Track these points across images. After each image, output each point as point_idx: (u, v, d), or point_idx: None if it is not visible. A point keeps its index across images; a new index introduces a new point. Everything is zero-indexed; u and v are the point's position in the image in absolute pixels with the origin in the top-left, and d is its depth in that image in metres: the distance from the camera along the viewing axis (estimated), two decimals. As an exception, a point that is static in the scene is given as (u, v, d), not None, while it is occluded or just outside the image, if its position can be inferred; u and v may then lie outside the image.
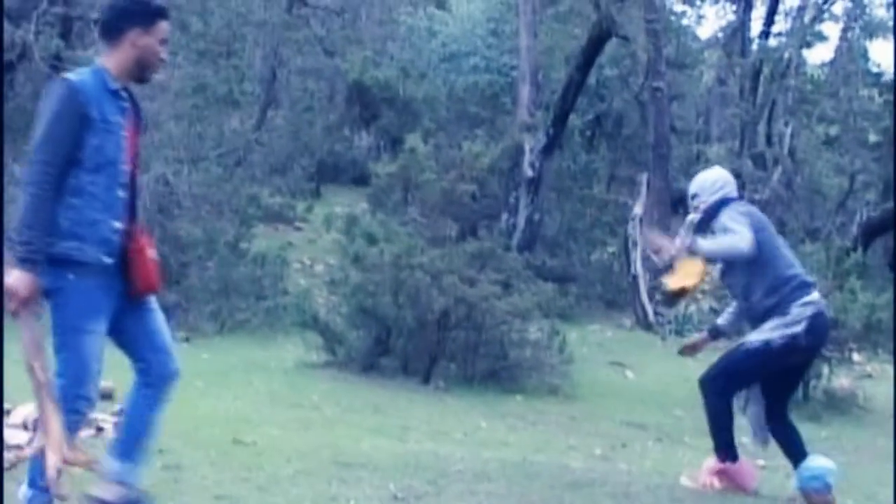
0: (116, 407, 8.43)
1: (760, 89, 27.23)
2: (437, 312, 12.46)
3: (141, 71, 5.10)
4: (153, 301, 5.41)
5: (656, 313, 19.37)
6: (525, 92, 22.18)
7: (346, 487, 6.45)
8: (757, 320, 7.02)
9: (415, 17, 31.07)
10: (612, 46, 23.94)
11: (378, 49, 29.91)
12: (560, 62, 25.43)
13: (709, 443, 10.30)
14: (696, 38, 35.21)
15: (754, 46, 28.84)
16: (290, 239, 21.09)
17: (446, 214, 15.81)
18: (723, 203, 7.07)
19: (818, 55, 66.99)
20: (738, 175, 26.27)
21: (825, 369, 13.09)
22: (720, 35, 32.88)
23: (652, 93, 25.37)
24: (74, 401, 5.03)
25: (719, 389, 7.07)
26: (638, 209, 20.46)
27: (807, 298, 6.93)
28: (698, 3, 33.13)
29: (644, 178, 21.71)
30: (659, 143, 25.13)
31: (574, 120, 23.60)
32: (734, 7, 31.53)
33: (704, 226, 7.12)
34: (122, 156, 4.99)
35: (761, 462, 9.42)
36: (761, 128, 27.08)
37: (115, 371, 10.38)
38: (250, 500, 6.08)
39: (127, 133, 5.02)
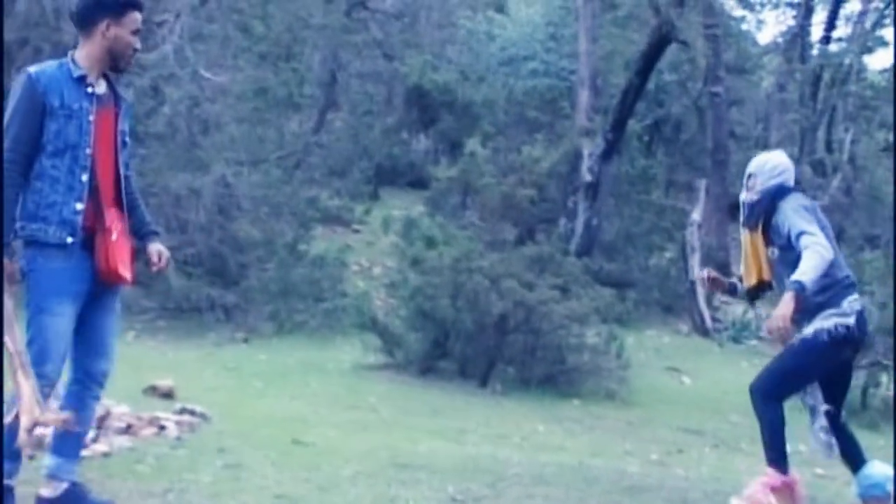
0: (177, 406, 8.55)
1: (820, 95, 27.06)
2: (495, 316, 12.51)
3: (114, 60, 5.22)
4: (114, 301, 5.45)
5: (713, 319, 19.30)
6: (584, 96, 22.17)
7: (404, 489, 6.50)
8: (804, 315, 6.73)
9: (474, 20, 31.06)
10: (671, 51, 23.84)
11: (437, 53, 29.93)
12: (619, 67, 25.36)
13: (766, 449, 10.31)
14: (755, 43, 35.01)
15: (814, 52, 28.65)
16: (348, 241, 21.17)
17: (505, 218, 15.84)
18: (780, 190, 6.83)
19: (879, 61, 66.41)
20: (797, 182, 26.18)
21: (884, 378, 13.02)
22: (780, 40, 32.66)
23: (711, 98, 25.28)
24: (37, 377, 4.96)
25: (770, 394, 6.84)
26: (696, 215, 20.39)
27: (855, 296, 6.80)
28: (758, 8, 32.92)
29: (702, 183, 21.63)
30: (717, 149, 25.05)
31: (633, 125, 23.50)
32: (794, 12, 31.34)
33: (756, 209, 6.89)
34: (86, 140, 5.10)
35: (819, 471, 9.42)
36: (821, 134, 26.91)
37: (176, 370, 10.53)
38: (310, 500, 6.14)
39: (95, 118, 5.12)
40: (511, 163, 17.99)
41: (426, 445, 7.98)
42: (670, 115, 29.43)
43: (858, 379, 13.01)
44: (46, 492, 5.46)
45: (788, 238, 6.65)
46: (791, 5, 31.97)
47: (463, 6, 32.22)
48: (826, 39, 28.88)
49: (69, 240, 5.10)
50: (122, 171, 5.31)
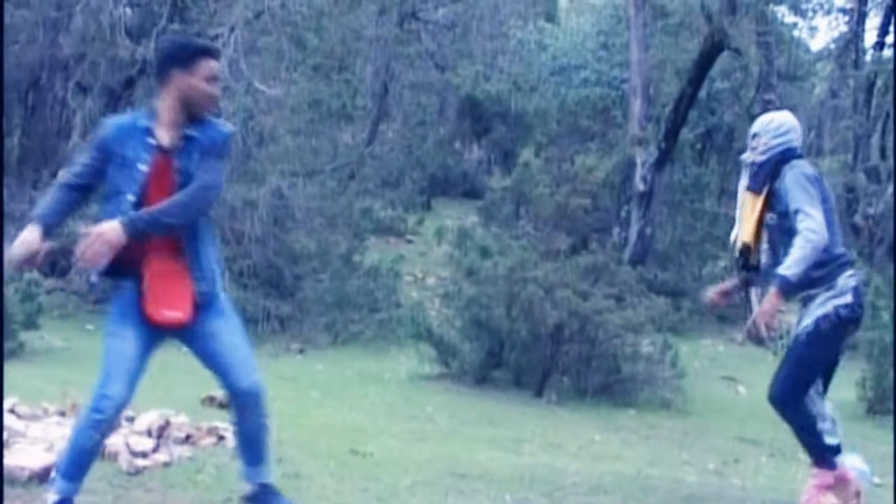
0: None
1: (874, 101, 26.85)
2: (550, 326, 12.53)
3: (190, 109, 5.25)
4: (215, 323, 5.55)
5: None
6: (636, 105, 22.16)
7: (463, 499, 6.53)
8: (800, 289, 6.51)
9: (525, 30, 31.05)
10: (723, 59, 23.79)
11: (489, 63, 30.00)
12: (671, 75, 25.31)
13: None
14: (808, 50, 34.80)
15: (868, 58, 28.43)
16: (401, 251, 21.26)
17: (559, 228, 15.82)
18: (786, 153, 6.56)
19: (934, 66, 65.96)
20: (851, 189, 26.07)
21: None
22: (833, 47, 32.43)
23: (764, 106, 25.10)
24: (98, 399, 5.22)
25: (789, 399, 6.65)
26: (750, 223, 20.34)
27: (851, 271, 6.57)
28: (810, 14, 32.73)
29: (755, 191, 21.55)
30: (771, 157, 24.92)
31: (685, 133, 23.46)
32: (847, 18, 31.12)
33: (761, 172, 6.62)
34: (132, 188, 5.16)
35: (876, 480, 9.36)
36: (875, 140, 26.71)
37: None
38: (371, 510, 6.20)
39: (149, 168, 5.18)
40: (564, 172, 17.98)
41: (483, 455, 8.00)
42: (723, 123, 29.30)
43: (889, 380, 12.95)
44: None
45: (787, 208, 6.44)
46: (844, 11, 31.76)
47: (514, 16, 32.24)
48: (879, 45, 28.63)
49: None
50: None
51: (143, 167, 5.16)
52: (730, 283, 7.17)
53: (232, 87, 16.30)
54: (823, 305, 6.45)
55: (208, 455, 7.26)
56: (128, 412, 7.67)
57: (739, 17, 21.35)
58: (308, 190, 16.77)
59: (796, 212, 6.35)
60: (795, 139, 6.70)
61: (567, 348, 12.91)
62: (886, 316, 13.26)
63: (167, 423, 7.54)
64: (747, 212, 6.73)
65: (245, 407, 5.57)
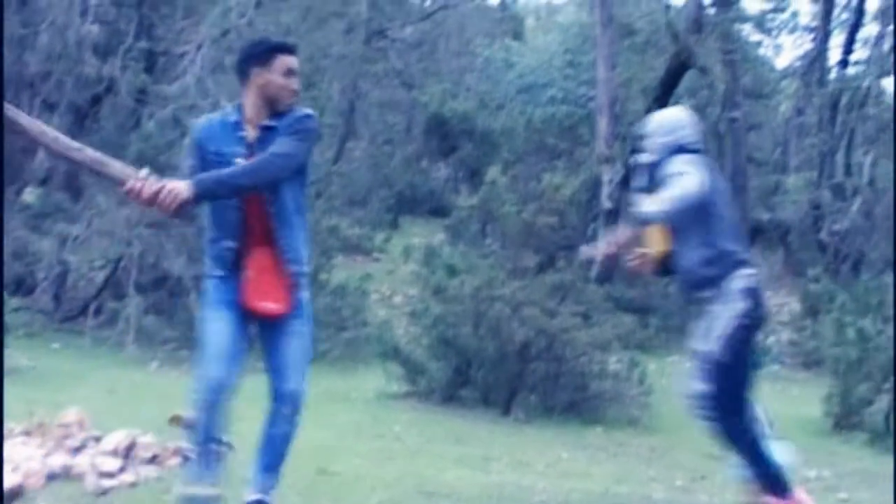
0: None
1: (839, 119, 27.01)
2: (517, 344, 12.54)
3: (271, 104, 5.48)
4: (295, 323, 5.73)
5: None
6: (603, 123, 22.23)
7: (430, 519, 6.55)
8: (692, 289, 6.40)
9: (492, 49, 31.15)
10: (689, 77, 23.93)
11: (455, 81, 30.10)
12: (638, 93, 25.41)
13: (790, 475, 10.31)
14: (773, 68, 35.03)
15: (832, 76, 28.64)
16: (368, 270, 21.21)
17: (526, 246, 15.83)
18: (678, 150, 6.35)
19: (898, 84, 66.46)
20: (816, 206, 26.22)
21: (908, 401, 12.99)
22: (798, 64, 32.67)
23: (729, 123, 25.32)
24: (198, 380, 5.57)
25: (727, 412, 6.34)
26: (716, 240, 20.40)
27: (744, 271, 6.26)
28: (775, 32, 32.96)
29: (722, 208, 21.63)
30: (736, 174, 25.05)
31: (652, 151, 23.55)
32: (812, 36, 31.34)
33: (655, 172, 6.39)
34: None
35: (843, 495, 9.42)
36: (840, 158, 26.87)
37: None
38: (339, 529, 6.19)
39: (243, 161, 5.36)
40: (531, 190, 18.03)
41: (451, 473, 8.01)
42: (689, 140, 29.43)
43: (881, 403, 13.00)
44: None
45: None
46: (808, 29, 31.98)
47: (480, 34, 32.35)
48: (844, 63, 28.87)
49: (220, 273, 5.57)
50: (269, 210, 5.48)
51: (241, 160, 5.36)
52: (619, 237, 6.73)
53: (198, 105, 16.27)
54: (717, 320, 6.20)
55: (175, 475, 7.22)
56: (94, 432, 7.65)
57: (705, 35, 21.49)
58: (275, 208, 16.75)
59: (670, 176, 6.16)
60: (688, 136, 6.50)
61: (534, 366, 12.92)
62: (852, 332, 13.32)
63: (134, 443, 7.51)
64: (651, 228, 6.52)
65: (280, 410, 5.87)
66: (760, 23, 30.83)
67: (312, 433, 10.14)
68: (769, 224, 29.18)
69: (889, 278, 15.43)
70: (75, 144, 5.24)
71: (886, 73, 28.73)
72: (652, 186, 6.36)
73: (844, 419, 13.15)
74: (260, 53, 5.54)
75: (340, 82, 27.75)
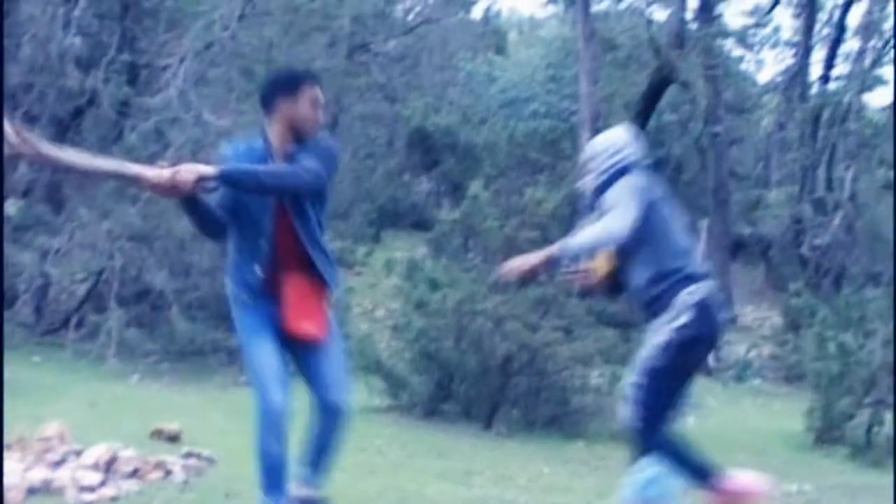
0: (184, 449, 8.57)
1: (820, 133, 27.12)
2: (499, 358, 12.54)
3: (297, 134, 5.55)
4: (332, 341, 5.83)
5: (717, 359, 19.32)
6: (585, 138, 22.19)
7: (411, 532, 6.54)
8: (642, 309, 6.29)
9: (474, 63, 31.25)
10: (671, 92, 24.01)
11: (438, 95, 30.14)
12: (620, 108, 25.48)
13: (771, 489, 10.32)
14: (755, 83, 35.19)
15: (814, 91, 28.76)
16: (350, 283, 21.20)
17: (508, 260, 15.86)
18: (622, 171, 6.25)
19: (878, 99, 66.78)
20: (798, 220, 26.31)
21: (888, 416, 13.02)
22: (779, 79, 32.82)
23: (711, 138, 25.38)
24: (264, 405, 5.52)
25: (650, 428, 6.23)
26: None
27: (693, 287, 6.12)
28: (757, 48, 33.11)
29: (704, 223, 21.70)
30: (718, 188, 25.12)
31: (634, 165, 23.60)
32: (793, 51, 31.49)
33: (600, 197, 6.27)
34: (267, 210, 5.49)
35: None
36: (821, 172, 26.97)
37: (181, 414, 10.55)
38: (320, 544, 6.16)
39: None
40: (513, 205, 18.04)
41: (433, 488, 8.00)
42: (671, 155, 29.57)
43: (862, 417, 13.03)
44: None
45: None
46: (790, 44, 32.14)
47: (463, 48, 32.42)
48: (825, 78, 29.01)
49: (250, 299, 5.62)
50: (300, 235, 5.59)
51: None
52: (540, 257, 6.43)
53: (181, 118, 16.27)
54: (659, 333, 6.10)
55: (156, 489, 7.21)
56: (74, 446, 7.62)
57: (687, 50, 21.56)
58: (258, 221, 16.72)
59: (608, 210, 6.09)
60: (631, 155, 6.41)
61: (516, 380, 12.92)
62: (833, 347, 13.35)
63: (115, 457, 7.48)
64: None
65: (329, 424, 5.89)
66: (742, 38, 30.98)
67: (293, 447, 10.15)
68: (751, 238, 29.28)
69: (869, 293, 15.45)
70: (93, 160, 5.36)
71: (867, 89, 28.89)
72: (597, 211, 6.31)
73: (826, 433, 13.18)
74: (287, 84, 5.62)
75: (323, 96, 27.76)
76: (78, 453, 7.50)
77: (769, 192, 30.39)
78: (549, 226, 18.58)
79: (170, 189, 5.17)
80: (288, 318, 5.62)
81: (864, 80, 28.58)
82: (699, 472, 6.30)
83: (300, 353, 5.77)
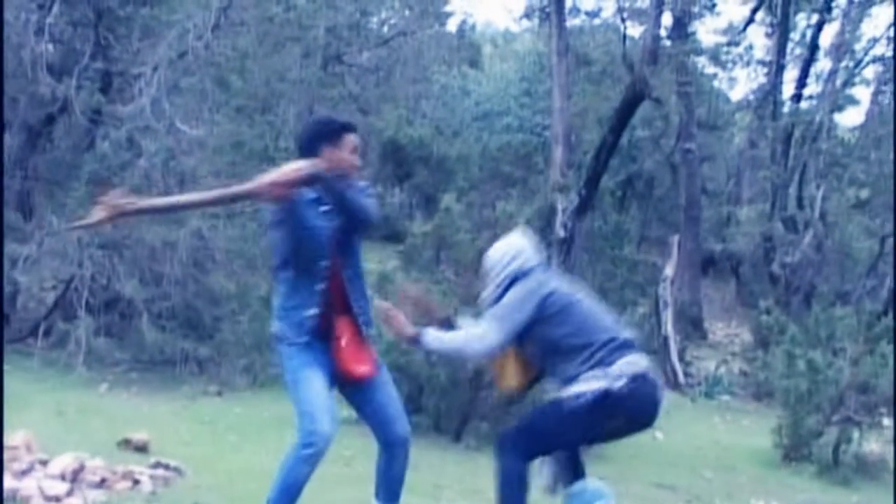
0: (152, 459, 8.54)
1: (791, 152, 27.24)
2: (469, 371, 12.52)
3: (339, 178, 5.79)
4: (381, 375, 6.26)
5: (686, 374, 19.38)
6: (558, 152, 22.33)
7: (381, 545, 6.52)
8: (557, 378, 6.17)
9: (448, 76, 31.29)
10: (644, 108, 24.05)
11: (412, 107, 30.15)
12: (593, 123, 25.59)
13: (740, 506, 10.36)
14: (727, 100, 35.37)
15: (786, 109, 28.91)
16: (321, 295, 21.17)
17: (480, 274, 15.88)
18: (516, 279, 6.27)
19: (849, 118, 67.21)
20: (768, 238, 26.41)
21: (855, 434, 13.08)
22: (752, 98, 33.01)
23: (683, 154, 25.54)
24: (309, 436, 5.95)
25: (520, 450, 6.21)
26: (669, 270, 20.50)
27: (632, 357, 6.08)
28: (730, 66, 33.28)
29: (675, 239, 21.77)
30: (690, 205, 25.26)
31: (606, 181, 23.66)
32: (766, 70, 31.67)
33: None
34: (324, 253, 5.82)
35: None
36: (792, 190, 27.09)
37: (150, 424, 10.51)
38: (287, 556, 6.15)
39: (329, 233, 5.80)
40: (485, 218, 18.05)
41: (402, 500, 7.96)
42: (643, 171, 29.70)
43: (830, 435, 13.08)
44: None
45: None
46: (762, 63, 32.33)
47: (437, 61, 32.43)
48: (797, 97, 29.17)
49: (303, 340, 5.90)
50: (345, 276, 5.98)
51: (327, 234, 5.84)
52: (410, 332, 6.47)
53: (153, 126, 16.21)
54: (591, 381, 5.99)
55: (123, 499, 7.19)
56: (41, 455, 7.58)
57: (661, 67, 21.60)
58: (228, 232, 16.64)
59: (487, 318, 6.17)
60: (527, 260, 6.39)
61: (485, 394, 12.89)
62: (802, 364, 13.40)
63: (82, 467, 7.46)
64: (503, 358, 6.41)
65: (397, 454, 6.41)
66: (716, 56, 31.16)
67: (261, 458, 10.11)
68: (722, 255, 29.41)
69: (838, 311, 15.52)
70: (190, 196, 5.67)
71: (838, 108, 29.07)
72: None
73: (794, 451, 13.23)
74: (330, 133, 5.93)
75: (297, 106, 27.69)
76: (44, 463, 7.48)
77: (740, 209, 30.52)
78: (520, 240, 18.62)
79: (284, 187, 5.44)
80: (344, 360, 5.96)
81: (836, 99, 28.78)
82: None
83: (357, 394, 6.20)
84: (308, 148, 5.87)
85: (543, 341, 6.14)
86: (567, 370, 6.07)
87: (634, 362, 6.05)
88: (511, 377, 6.42)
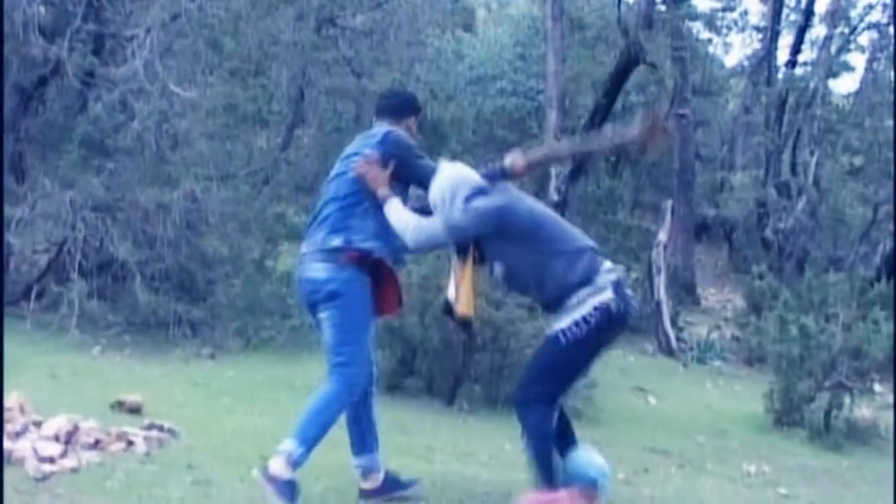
0: (146, 421, 8.55)
1: (786, 118, 27.23)
2: (462, 334, 12.52)
3: None
4: None
5: (678, 339, 19.40)
6: (552, 117, 22.24)
7: (374, 507, 6.54)
8: (561, 299, 6.29)
9: (443, 39, 31.15)
10: (638, 73, 24.00)
11: (406, 71, 29.97)
12: (587, 88, 25.51)
13: (730, 469, 10.41)
14: (722, 65, 35.30)
15: (780, 75, 28.86)
16: (315, 258, 21.12)
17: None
18: (477, 193, 6.46)
19: (844, 85, 67.13)
20: (762, 204, 26.42)
21: (847, 399, 13.11)
22: (746, 63, 32.96)
23: (677, 120, 25.43)
24: (356, 381, 6.79)
25: (542, 399, 6.26)
26: (662, 235, 20.48)
27: (608, 264, 6.36)
28: (725, 31, 33.19)
29: (668, 204, 21.74)
30: (683, 170, 25.23)
31: (600, 145, 23.60)
32: (760, 36, 31.62)
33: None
34: None
35: (783, 490, 9.49)
36: (786, 157, 27.09)
37: (143, 386, 10.52)
38: (282, 517, 6.17)
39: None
40: (479, 182, 18.02)
41: (394, 463, 7.98)
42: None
43: (822, 400, 13.12)
44: (368, 485, 7.00)
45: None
46: (757, 29, 32.26)
47: (432, 25, 32.27)
48: (792, 63, 29.10)
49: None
50: None
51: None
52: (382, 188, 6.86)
53: (147, 89, 16.12)
54: (583, 306, 6.18)
55: (117, 460, 7.20)
56: (35, 417, 7.58)
57: (655, 31, 21.54)
58: (222, 194, 16.56)
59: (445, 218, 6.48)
60: (468, 189, 6.54)
61: (479, 357, 12.91)
62: (795, 329, 13.43)
63: (75, 428, 7.46)
64: (460, 279, 6.71)
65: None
66: (710, 21, 31.04)
67: (256, 420, 10.14)
68: (714, 221, 29.42)
69: (831, 278, 15.52)
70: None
71: (833, 75, 29.04)
72: (460, 250, 6.76)
73: (785, 416, 13.26)
74: (417, 108, 7.43)
75: (290, 70, 27.57)
76: (38, 424, 7.48)
77: (734, 175, 30.55)
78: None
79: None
80: (386, 303, 7.27)
81: (831, 66, 28.74)
82: (555, 473, 6.40)
83: None
84: (401, 110, 7.21)
85: (521, 256, 6.33)
86: (556, 285, 6.26)
87: (610, 269, 6.33)
88: (468, 305, 6.71)
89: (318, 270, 6.63)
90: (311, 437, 6.56)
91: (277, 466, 6.35)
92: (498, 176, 6.47)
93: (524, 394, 6.38)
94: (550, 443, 6.34)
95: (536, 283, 6.41)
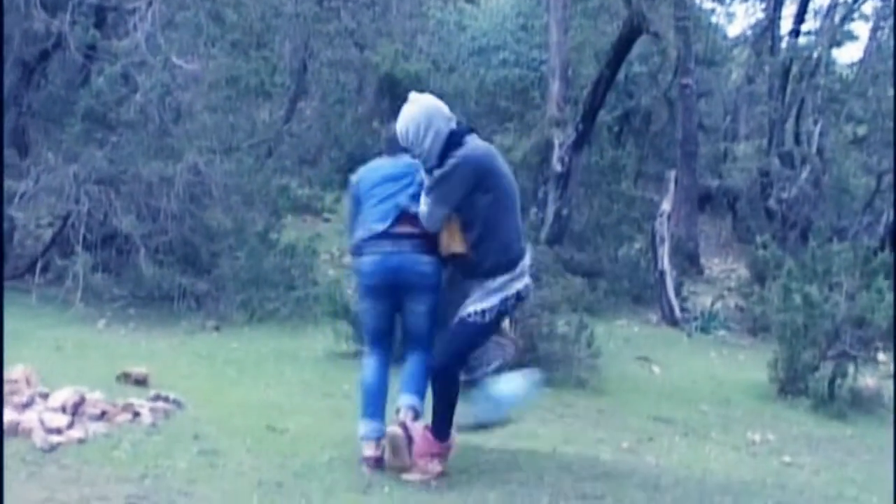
0: (152, 393, 8.57)
1: (789, 88, 27.17)
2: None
3: None
4: None
5: (682, 309, 19.41)
6: (555, 87, 22.16)
7: (381, 475, 6.57)
8: (479, 275, 6.61)
9: (445, 10, 31.08)
10: (641, 43, 23.90)
11: (408, 42, 29.94)
12: (590, 58, 25.40)
13: (734, 438, 10.43)
14: (725, 35, 35.16)
15: (783, 45, 28.78)
16: (318, 230, 21.16)
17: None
18: (448, 143, 6.56)
19: (848, 54, 66.85)
20: (765, 173, 26.39)
21: (850, 368, 13.13)
22: (749, 33, 32.82)
23: (680, 90, 25.41)
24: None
25: (455, 370, 6.70)
26: (665, 205, 20.46)
27: (527, 254, 6.77)
28: (728, 0, 33.09)
29: (672, 174, 21.71)
30: (687, 140, 25.17)
31: (603, 116, 23.56)
32: (764, 5, 31.49)
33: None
34: None
35: (787, 458, 9.52)
36: (789, 126, 27.04)
37: (149, 358, 10.54)
38: (287, 486, 6.20)
39: None
40: (483, 153, 17.98)
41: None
42: (640, 106, 29.56)
43: (826, 369, 13.13)
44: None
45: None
46: (761, -2, 32.15)
47: (434, -4, 32.22)
48: (795, 33, 29.00)
49: None
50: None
51: None
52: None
53: (149, 61, 16.11)
54: (503, 290, 6.59)
55: (123, 431, 7.22)
56: (41, 389, 7.61)
57: (659, 1, 21.46)
58: (225, 167, 16.59)
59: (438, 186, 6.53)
60: (444, 122, 6.65)
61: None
62: (798, 299, 13.43)
63: (82, 400, 7.48)
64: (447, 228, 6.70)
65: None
66: (714, -10, 30.95)
67: (261, 391, 10.17)
68: (718, 191, 29.38)
69: (835, 247, 15.50)
70: None
71: (836, 44, 28.95)
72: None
73: (789, 384, 13.28)
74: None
75: (292, 41, 27.57)
76: (45, 396, 7.50)
77: (737, 144, 30.48)
78: (517, 174, 18.57)
79: None
80: None
81: (834, 35, 28.64)
82: (448, 424, 6.80)
83: None
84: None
85: (482, 214, 6.53)
86: (491, 254, 6.57)
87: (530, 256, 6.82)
88: (457, 244, 6.65)
89: (426, 264, 6.73)
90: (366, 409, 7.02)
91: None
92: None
93: (448, 366, 6.67)
94: (454, 405, 6.73)
95: (482, 242, 6.59)
